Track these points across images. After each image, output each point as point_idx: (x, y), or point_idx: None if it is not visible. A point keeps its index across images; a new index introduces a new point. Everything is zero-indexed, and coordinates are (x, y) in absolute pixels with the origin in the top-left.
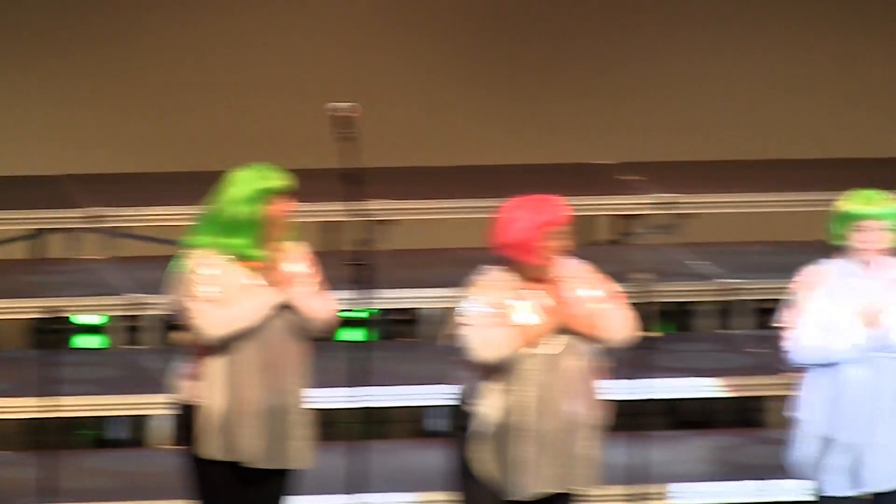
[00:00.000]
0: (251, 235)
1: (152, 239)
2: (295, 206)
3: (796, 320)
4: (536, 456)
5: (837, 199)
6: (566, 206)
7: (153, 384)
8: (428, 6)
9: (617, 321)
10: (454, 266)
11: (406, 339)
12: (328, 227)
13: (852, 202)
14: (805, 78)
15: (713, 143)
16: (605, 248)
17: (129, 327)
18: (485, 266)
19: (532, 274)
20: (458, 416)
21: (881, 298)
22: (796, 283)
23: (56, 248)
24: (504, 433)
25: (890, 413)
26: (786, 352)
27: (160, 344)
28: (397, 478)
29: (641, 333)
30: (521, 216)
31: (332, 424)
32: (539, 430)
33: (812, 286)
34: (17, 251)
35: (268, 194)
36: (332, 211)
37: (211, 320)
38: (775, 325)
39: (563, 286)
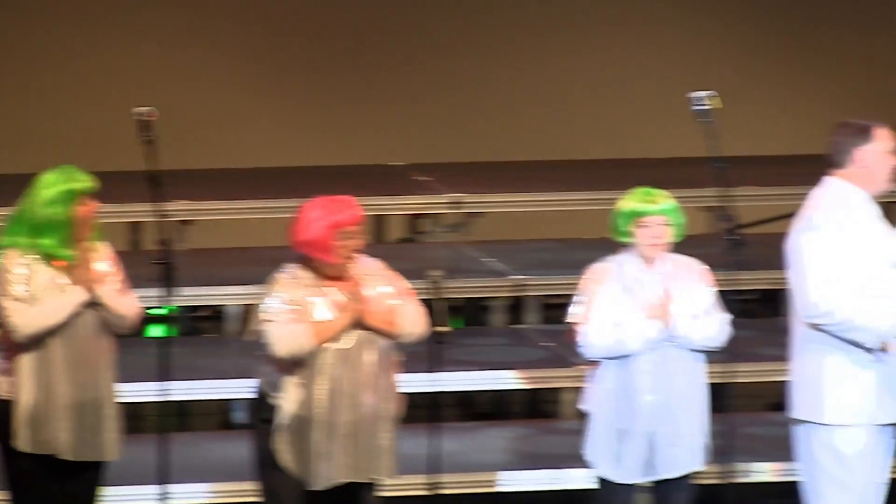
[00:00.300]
0: (59, 235)
1: None
2: (100, 206)
3: (587, 315)
4: (332, 447)
5: (620, 198)
6: (359, 206)
7: None
8: (224, 12)
9: (410, 317)
10: (256, 265)
11: (211, 335)
12: (133, 228)
13: (634, 199)
14: (591, 82)
15: (502, 144)
16: (398, 246)
17: None
18: (285, 264)
19: (329, 272)
20: (261, 409)
21: (667, 291)
22: (585, 280)
23: None
24: (301, 425)
25: (678, 402)
26: (578, 346)
27: None
28: (203, 468)
29: (434, 328)
30: (317, 216)
31: (140, 418)
32: (333, 421)
33: (600, 282)
34: None
35: (75, 195)
36: (136, 212)
37: (21, 318)
38: (566, 320)
39: (360, 284)
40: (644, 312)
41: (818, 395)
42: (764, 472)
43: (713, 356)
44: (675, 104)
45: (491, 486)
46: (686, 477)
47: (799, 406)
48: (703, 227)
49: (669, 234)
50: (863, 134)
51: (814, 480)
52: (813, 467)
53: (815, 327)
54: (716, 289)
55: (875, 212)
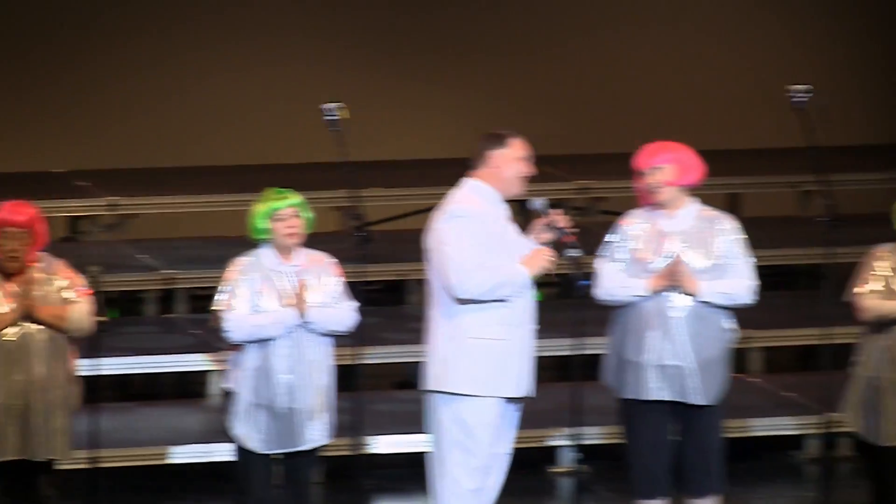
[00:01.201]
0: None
1: None
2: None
3: (229, 304)
4: (7, 428)
5: (255, 199)
6: (23, 210)
7: None
8: None
9: (80, 310)
10: None
11: None
12: None
13: (268, 198)
14: (235, 97)
15: (154, 151)
16: (60, 244)
17: None
18: None
19: (4, 268)
20: None
21: (302, 282)
22: (229, 272)
23: None
24: None
25: (309, 381)
26: (222, 331)
27: None
28: None
29: (95, 318)
30: None
31: None
32: (6, 404)
33: (242, 273)
34: None
35: None
36: None
37: None
38: (212, 308)
39: (33, 280)
40: (281, 301)
41: (447, 368)
42: (390, 444)
43: (343, 340)
44: (309, 114)
45: (146, 460)
46: (316, 449)
47: (430, 378)
48: (335, 225)
49: (301, 226)
50: (498, 140)
51: (440, 447)
52: (441, 434)
53: (463, 301)
54: (344, 280)
55: (505, 211)
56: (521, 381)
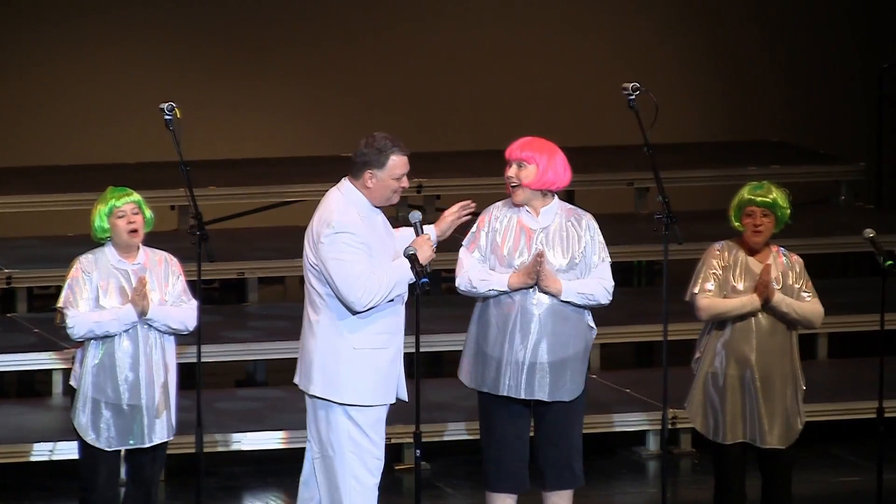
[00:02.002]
0: None
1: None
2: None
3: (72, 301)
4: None
5: (96, 198)
6: None
7: None
8: None
9: None
10: None
11: None
12: None
13: (107, 197)
14: (74, 95)
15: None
16: None
17: None
18: None
19: None
20: None
21: (142, 278)
22: (70, 270)
23: None
24: None
25: (152, 379)
26: (66, 329)
27: None
28: None
29: None
30: None
31: None
32: None
33: (84, 271)
34: None
35: None
36: None
37: None
38: (54, 306)
39: None
40: (122, 299)
41: (337, 378)
42: (233, 442)
43: (184, 338)
44: (147, 113)
45: None
46: (160, 447)
47: (315, 385)
48: (174, 223)
49: (141, 223)
50: (377, 157)
51: (335, 451)
52: (334, 439)
53: (356, 313)
54: (185, 278)
55: (380, 218)
56: (402, 385)
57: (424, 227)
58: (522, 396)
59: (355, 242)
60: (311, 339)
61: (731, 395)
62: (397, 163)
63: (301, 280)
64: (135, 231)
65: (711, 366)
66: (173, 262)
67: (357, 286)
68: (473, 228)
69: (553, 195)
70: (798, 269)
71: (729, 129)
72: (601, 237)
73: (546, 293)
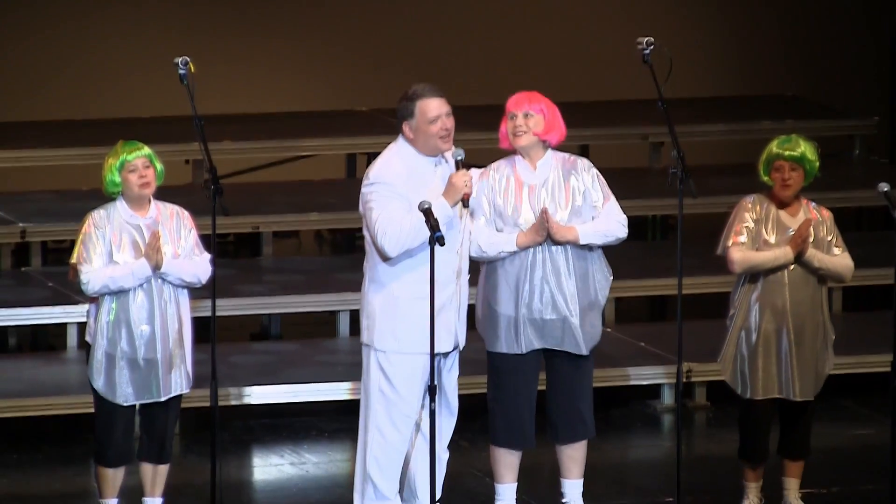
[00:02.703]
0: None
1: None
2: None
3: (85, 256)
4: None
5: (107, 153)
6: None
7: None
8: None
9: None
10: None
11: None
12: None
13: (118, 151)
14: (72, 46)
15: (5, 105)
16: None
17: None
18: None
19: None
20: None
21: (155, 232)
22: (83, 225)
23: None
24: None
25: (167, 332)
26: (80, 284)
27: None
28: None
29: None
30: None
31: None
32: None
33: (96, 226)
34: None
35: None
36: None
37: None
38: (68, 261)
39: None
40: (135, 253)
41: (373, 323)
42: (247, 396)
43: (198, 291)
44: (161, 68)
45: (4, 413)
46: (175, 400)
47: (363, 330)
48: (188, 177)
49: (153, 177)
50: (409, 103)
51: (366, 396)
52: (368, 385)
53: (391, 260)
54: (198, 232)
55: (435, 169)
56: (445, 337)
57: (472, 171)
58: (541, 346)
59: (390, 192)
60: (364, 287)
61: (765, 350)
62: (426, 107)
63: (315, 234)
64: (146, 185)
65: (746, 321)
66: (185, 215)
67: (378, 231)
68: (474, 193)
69: (547, 147)
70: (829, 223)
71: (743, 83)
72: (601, 178)
73: (563, 243)
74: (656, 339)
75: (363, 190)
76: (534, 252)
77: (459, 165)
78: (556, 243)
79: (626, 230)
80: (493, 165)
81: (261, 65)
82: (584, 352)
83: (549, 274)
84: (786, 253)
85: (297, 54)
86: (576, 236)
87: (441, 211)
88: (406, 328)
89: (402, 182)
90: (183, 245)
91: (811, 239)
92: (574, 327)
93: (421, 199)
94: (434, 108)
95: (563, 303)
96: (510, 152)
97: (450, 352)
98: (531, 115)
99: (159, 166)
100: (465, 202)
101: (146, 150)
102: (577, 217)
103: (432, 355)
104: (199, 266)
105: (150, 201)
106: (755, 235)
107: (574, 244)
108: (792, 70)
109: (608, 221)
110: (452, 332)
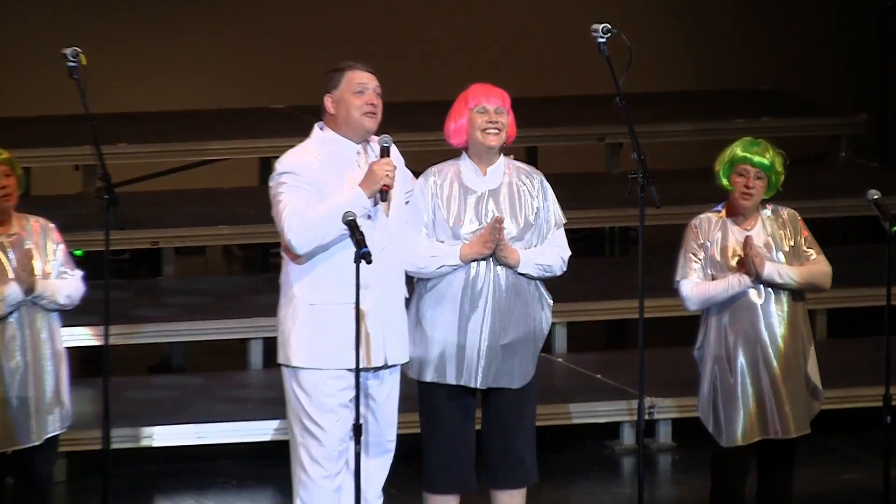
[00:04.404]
0: None
1: None
2: None
3: None
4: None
5: None
6: None
7: None
8: None
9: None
10: None
11: None
12: None
13: None
14: None
15: None
16: None
17: None
18: None
19: None
20: None
21: (28, 251)
22: None
23: None
24: None
25: (41, 366)
26: None
27: None
28: None
29: None
30: None
31: None
32: None
33: None
34: None
35: None
36: None
37: None
38: None
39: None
40: (2, 275)
41: (287, 338)
42: (146, 437)
43: (88, 317)
44: (48, 61)
45: None
46: (52, 443)
47: (279, 351)
48: (78, 185)
49: (14, 186)
50: (328, 80)
51: (290, 427)
52: (289, 414)
53: (301, 259)
54: (66, 246)
55: (359, 155)
56: (374, 350)
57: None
58: (476, 385)
59: (298, 182)
60: (279, 303)
61: (742, 387)
62: (353, 76)
63: (224, 250)
64: (7, 196)
65: (718, 352)
66: (51, 227)
67: (284, 224)
68: (412, 200)
69: (500, 152)
70: (793, 225)
71: (713, 76)
72: (555, 199)
73: (503, 265)
74: (614, 369)
75: (270, 184)
76: (476, 268)
77: (386, 153)
78: (501, 263)
79: (565, 268)
80: (434, 169)
81: (163, 57)
82: (517, 385)
83: (490, 295)
84: (740, 279)
85: (206, 45)
86: (516, 261)
87: (356, 201)
88: (323, 339)
89: (312, 172)
90: (52, 262)
91: (770, 252)
92: (506, 358)
93: (338, 189)
94: (363, 78)
95: (501, 328)
96: (454, 153)
97: (381, 369)
98: (503, 113)
99: (19, 170)
100: (382, 195)
101: (5, 154)
102: (526, 233)
103: (357, 374)
104: (73, 284)
105: (10, 214)
106: (707, 262)
107: (511, 268)
108: (767, 62)
109: (551, 255)
110: (380, 343)
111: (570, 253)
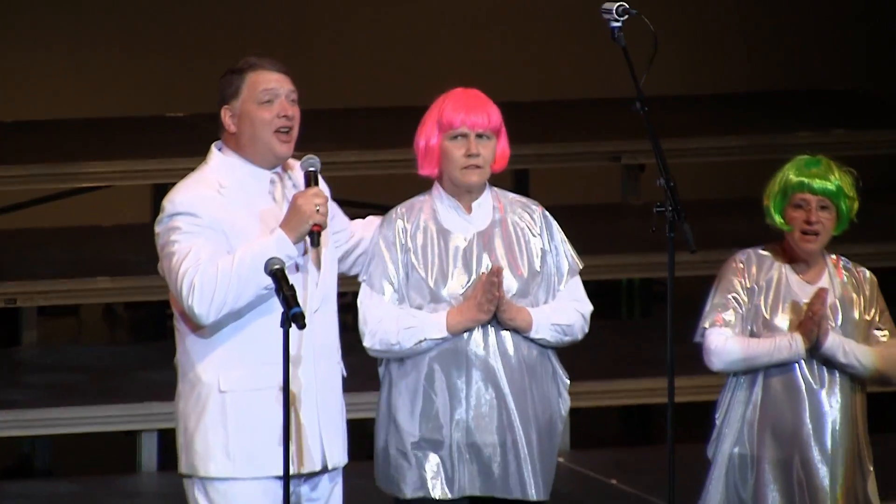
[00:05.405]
0: None
1: None
2: None
3: None
4: None
5: None
6: None
7: None
8: None
9: None
10: None
11: None
12: None
13: None
14: None
15: None
16: None
17: None
18: None
19: None
20: None
21: None
22: None
23: None
24: None
25: None
26: None
27: None
28: None
29: None
30: None
31: None
32: None
33: None
34: None
35: None
36: None
37: None
38: None
39: None
40: None
41: (192, 439)
42: None
43: None
44: None
45: None
46: None
47: (180, 457)
48: None
49: None
50: (233, 80)
51: None
52: None
53: (203, 332)
54: None
55: (264, 183)
56: (310, 449)
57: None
58: (478, 493)
59: (196, 225)
60: (177, 389)
61: (770, 494)
62: (257, 79)
63: (104, 309)
64: None
65: (737, 446)
66: None
67: (182, 284)
68: (371, 254)
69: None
70: (868, 293)
71: (768, 73)
72: (564, 237)
73: (511, 329)
74: (633, 472)
75: (157, 229)
76: (469, 338)
77: (312, 181)
78: (507, 328)
79: (587, 328)
80: (400, 210)
81: (28, 57)
82: (537, 496)
83: (485, 376)
84: (794, 342)
85: (83, 38)
86: (528, 322)
87: (279, 248)
88: (241, 441)
89: (214, 210)
90: None
91: (833, 320)
92: (524, 460)
93: (251, 232)
94: (270, 81)
95: (513, 420)
96: (426, 183)
97: (317, 475)
98: (489, 139)
99: None
100: (313, 238)
101: None
102: (532, 286)
103: (286, 480)
104: None
105: None
106: (749, 314)
107: (521, 334)
108: (842, 56)
109: (570, 312)
110: (316, 440)
111: (591, 308)
